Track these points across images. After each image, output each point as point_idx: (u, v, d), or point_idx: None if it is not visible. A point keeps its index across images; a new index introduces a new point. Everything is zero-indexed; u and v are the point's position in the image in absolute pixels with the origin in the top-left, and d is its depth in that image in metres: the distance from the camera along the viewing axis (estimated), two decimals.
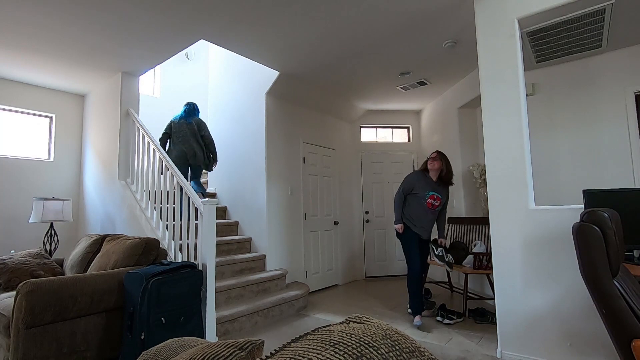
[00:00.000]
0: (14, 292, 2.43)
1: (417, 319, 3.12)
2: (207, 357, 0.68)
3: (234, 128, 4.52)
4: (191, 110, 4.00)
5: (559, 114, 3.36)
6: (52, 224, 3.74)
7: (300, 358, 0.45)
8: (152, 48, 3.31)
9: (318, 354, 0.46)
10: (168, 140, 3.96)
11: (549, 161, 3.39)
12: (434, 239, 3.46)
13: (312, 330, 0.56)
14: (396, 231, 3.32)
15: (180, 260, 2.96)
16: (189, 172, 3.94)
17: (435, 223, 3.42)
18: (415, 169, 5.30)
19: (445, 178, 3.28)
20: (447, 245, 3.40)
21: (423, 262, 3.37)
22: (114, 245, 2.72)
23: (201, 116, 4.36)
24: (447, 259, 3.26)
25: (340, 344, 0.48)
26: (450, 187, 3.42)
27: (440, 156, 3.29)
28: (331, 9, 2.72)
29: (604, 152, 3.11)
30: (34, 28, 2.92)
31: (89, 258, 2.87)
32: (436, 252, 3.31)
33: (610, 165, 3.07)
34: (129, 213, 3.49)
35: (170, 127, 3.94)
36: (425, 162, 3.37)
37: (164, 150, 3.93)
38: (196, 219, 3.41)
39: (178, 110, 5.83)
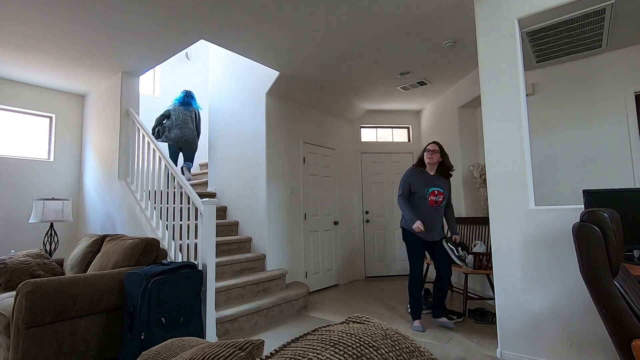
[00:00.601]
0: (14, 292, 2.43)
1: (416, 323, 3.02)
2: (207, 357, 0.68)
3: (234, 128, 4.52)
4: (188, 97, 4.71)
5: (559, 114, 3.36)
6: (52, 224, 3.74)
7: (300, 358, 0.45)
8: (152, 48, 3.31)
9: (318, 354, 0.46)
10: (165, 120, 4.62)
11: (549, 161, 3.39)
12: (447, 237, 3.20)
13: (312, 330, 0.56)
14: (402, 234, 3.14)
15: (180, 260, 2.96)
16: (180, 154, 4.68)
17: (445, 220, 3.20)
18: None
19: (444, 170, 3.05)
20: (458, 242, 3.09)
21: (443, 266, 3.07)
22: (114, 245, 2.72)
23: (201, 114, 5.05)
24: (465, 259, 3.03)
25: (340, 344, 0.48)
26: (451, 187, 3.22)
27: (440, 147, 3.08)
28: (331, 9, 2.72)
29: (604, 151, 3.11)
30: (34, 27, 2.92)
31: (89, 258, 2.87)
32: (457, 254, 3.01)
33: (610, 165, 3.07)
34: (129, 213, 3.49)
35: (169, 110, 4.63)
36: (421, 156, 3.13)
37: (158, 128, 4.61)
38: (196, 219, 3.41)
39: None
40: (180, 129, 4.52)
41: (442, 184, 3.06)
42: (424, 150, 3.12)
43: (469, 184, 4.37)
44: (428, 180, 3.05)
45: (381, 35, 3.13)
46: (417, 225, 2.93)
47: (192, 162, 4.72)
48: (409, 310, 3.52)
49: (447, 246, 3.04)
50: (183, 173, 4.74)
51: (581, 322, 2.10)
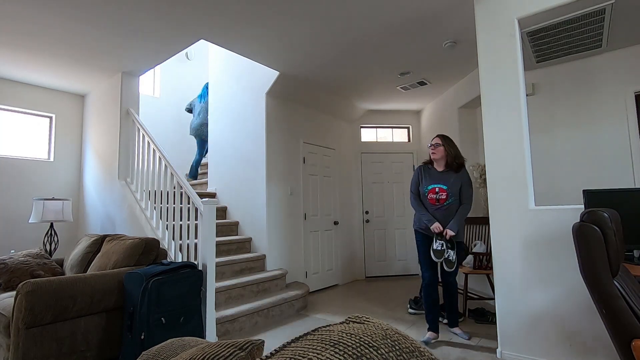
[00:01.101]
0: (14, 292, 2.43)
1: (428, 335, 2.76)
2: (207, 357, 0.68)
3: (234, 128, 4.52)
4: (207, 89, 5.16)
5: (559, 113, 3.36)
6: (52, 224, 3.74)
7: (300, 358, 0.45)
8: (152, 48, 3.31)
9: (318, 354, 0.46)
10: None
11: (549, 161, 3.39)
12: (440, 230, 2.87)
13: (312, 330, 0.56)
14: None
15: (180, 260, 2.96)
16: (200, 143, 5.12)
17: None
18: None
19: (453, 163, 2.84)
20: (448, 237, 2.76)
21: (446, 274, 2.87)
22: (114, 245, 2.72)
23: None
24: (446, 255, 2.74)
25: (340, 344, 0.48)
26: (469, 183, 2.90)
27: (443, 140, 2.87)
28: (331, 9, 2.72)
29: (604, 152, 3.11)
30: (34, 26, 2.92)
31: (89, 258, 2.87)
32: (434, 246, 2.77)
33: (610, 165, 3.07)
34: (129, 213, 3.49)
35: (192, 102, 5.28)
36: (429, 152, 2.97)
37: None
38: (196, 219, 3.41)
39: (177, 110, 5.88)
40: (196, 118, 5.06)
41: (446, 180, 2.82)
42: (429, 145, 2.98)
43: None
44: (431, 177, 2.88)
45: (381, 36, 3.13)
46: (436, 226, 2.77)
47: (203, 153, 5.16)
48: (410, 310, 3.53)
49: (434, 237, 2.81)
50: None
51: (581, 322, 2.10)
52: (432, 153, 2.90)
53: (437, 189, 2.82)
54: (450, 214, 2.81)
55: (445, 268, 2.75)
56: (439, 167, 2.90)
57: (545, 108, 3.43)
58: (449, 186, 2.80)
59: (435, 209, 2.83)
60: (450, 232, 2.74)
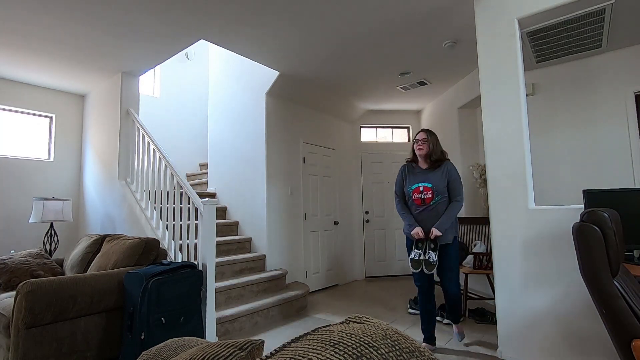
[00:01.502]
0: (14, 292, 2.43)
1: (423, 346, 2.57)
2: (207, 357, 0.68)
3: (234, 128, 4.52)
4: None
5: (559, 114, 3.36)
6: (52, 224, 3.73)
7: (300, 358, 0.45)
8: (152, 48, 3.31)
9: (318, 354, 0.46)
10: None
11: (549, 161, 3.39)
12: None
13: (312, 330, 0.56)
14: None
15: (180, 260, 2.96)
16: None
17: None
18: None
19: (430, 157, 2.63)
20: (433, 237, 2.54)
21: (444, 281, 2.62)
22: (114, 245, 2.72)
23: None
24: (426, 257, 2.53)
25: (340, 344, 0.48)
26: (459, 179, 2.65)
27: (429, 135, 2.66)
28: (331, 9, 2.72)
29: (604, 152, 3.11)
30: (34, 28, 2.92)
31: (89, 258, 2.87)
32: (411, 255, 2.58)
33: (610, 165, 3.07)
34: (129, 213, 3.49)
35: None
36: (413, 149, 2.74)
37: None
38: (196, 219, 3.41)
39: (178, 110, 5.87)
40: None
41: (431, 177, 2.60)
42: (414, 141, 2.73)
43: (469, 184, 4.37)
44: (415, 176, 2.67)
45: (381, 36, 3.13)
46: (416, 232, 2.56)
47: None
48: (409, 310, 3.53)
49: (414, 243, 2.63)
50: None
51: (581, 322, 2.10)
52: (419, 149, 2.65)
53: (421, 188, 2.60)
54: (438, 215, 2.57)
55: (425, 270, 2.52)
56: (423, 164, 2.68)
57: (545, 108, 3.43)
58: (435, 184, 2.57)
59: (421, 209, 2.61)
60: (436, 232, 2.51)
